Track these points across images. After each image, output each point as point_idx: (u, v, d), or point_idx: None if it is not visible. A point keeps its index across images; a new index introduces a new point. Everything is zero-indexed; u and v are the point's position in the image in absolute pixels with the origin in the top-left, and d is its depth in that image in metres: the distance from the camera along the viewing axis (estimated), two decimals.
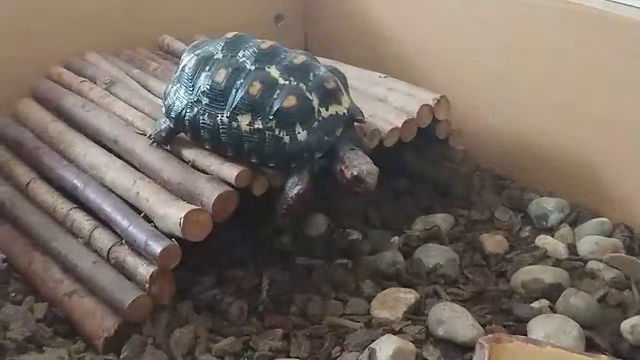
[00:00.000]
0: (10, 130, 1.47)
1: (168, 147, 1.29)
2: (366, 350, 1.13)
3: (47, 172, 1.37)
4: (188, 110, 1.23)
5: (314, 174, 1.24)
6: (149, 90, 1.48)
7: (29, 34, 1.58)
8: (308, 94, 1.21)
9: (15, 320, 1.19)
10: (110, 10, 1.68)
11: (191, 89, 1.24)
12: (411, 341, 1.15)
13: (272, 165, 1.22)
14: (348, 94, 1.28)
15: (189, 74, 1.25)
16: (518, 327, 1.20)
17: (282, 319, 1.22)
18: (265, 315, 1.23)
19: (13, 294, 1.26)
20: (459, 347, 1.16)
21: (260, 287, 1.27)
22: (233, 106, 1.21)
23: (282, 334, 1.19)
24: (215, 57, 1.25)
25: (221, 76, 1.22)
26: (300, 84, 1.21)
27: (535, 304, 1.25)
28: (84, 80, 1.50)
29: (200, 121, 1.23)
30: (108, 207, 1.24)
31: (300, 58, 1.24)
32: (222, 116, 1.21)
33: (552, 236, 1.43)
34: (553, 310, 1.24)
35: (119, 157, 1.32)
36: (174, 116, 1.25)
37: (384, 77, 1.52)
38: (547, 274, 1.30)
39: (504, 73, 1.58)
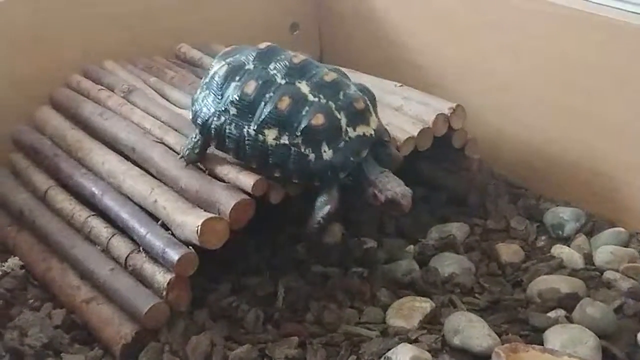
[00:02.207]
0: (28, 137, 1.49)
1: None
2: (382, 358, 1.13)
3: (65, 179, 1.38)
4: (215, 119, 1.23)
5: (341, 192, 1.23)
6: (166, 99, 1.49)
7: (48, 43, 1.59)
8: (337, 113, 1.21)
9: (33, 327, 1.20)
10: (128, 19, 1.70)
11: (220, 97, 1.24)
12: (427, 350, 1.15)
13: (295, 181, 1.22)
14: (376, 114, 1.27)
15: (219, 82, 1.25)
16: (534, 336, 1.20)
17: (297, 327, 1.22)
18: (281, 323, 1.23)
19: (31, 301, 1.28)
20: (475, 356, 1.16)
21: (276, 295, 1.28)
22: (261, 119, 1.20)
23: (298, 342, 1.19)
24: (246, 67, 1.25)
25: (251, 88, 1.22)
26: (330, 102, 1.21)
27: (552, 314, 1.24)
28: (102, 89, 1.51)
29: (227, 131, 1.22)
30: (126, 214, 1.25)
31: (331, 75, 1.24)
32: (249, 128, 1.20)
33: (568, 246, 1.42)
34: (569, 320, 1.23)
35: (137, 165, 1.33)
36: (200, 123, 1.25)
37: (400, 86, 1.52)
38: (563, 284, 1.29)
39: (520, 81, 1.58)
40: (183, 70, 1.60)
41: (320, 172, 1.21)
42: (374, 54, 1.85)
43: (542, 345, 1.16)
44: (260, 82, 1.21)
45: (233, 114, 1.22)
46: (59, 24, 1.62)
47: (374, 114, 1.26)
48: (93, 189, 1.32)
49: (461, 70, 1.68)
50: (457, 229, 1.45)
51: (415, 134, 1.36)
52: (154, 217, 1.24)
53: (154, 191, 1.25)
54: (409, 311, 1.24)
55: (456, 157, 1.50)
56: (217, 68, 1.27)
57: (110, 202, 1.28)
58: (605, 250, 1.38)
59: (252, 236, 1.34)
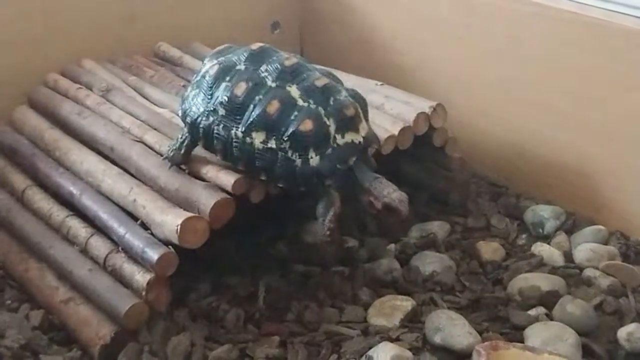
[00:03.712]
0: (6, 137, 1.47)
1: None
2: (363, 357, 1.13)
3: (43, 179, 1.37)
4: (204, 119, 1.21)
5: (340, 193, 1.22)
6: (145, 98, 1.48)
7: (26, 42, 1.58)
8: (325, 119, 1.19)
9: (11, 328, 1.19)
10: (107, 18, 1.68)
11: (209, 97, 1.22)
12: (408, 349, 1.15)
13: (280, 185, 1.21)
14: (367, 120, 1.26)
15: (209, 82, 1.23)
16: (515, 334, 1.20)
17: (278, 326, 1.22)
18: (262, 322, 1.23)
19: (9, 302, 1.26)
20: (456, 354, 1.16)
21: (256, 294, 1.27)
22: (249, 122, 1.19)
23: (279, 342, 1.18)
24: (237, 68, 1.23)
25: (240, 89, 1.20)
26: (319, 108, 1.19)
27: (532, 312, 1.25)
28: (81, 88, 1.50)
29: (215, 131, 1.21)
30: (104, 214, 1.24)
31: (322, 80, 1.22)
32: (237, 130, 1.19)
33: (549, 244, 1.43)
34: (550, 317, 1.24)
35: (116, 164, 1.31)
36: (189, 122, 1.23)
37: (381, 84, 1.52)
38: (543, 282, 1.30)
39: (501, 80, 1.58)
40: (162, 69, 1.59)
41: (305, 177, 1.19)
42: (355, 53, 1.85)
43: (523, 342, 1.17)
44: (250, 84, 1.20)
45: (222, 115, 1.20)
46: (37, 23, 1.60)
47: (364, 121, 1.24)
48: (71, 188, 1.30)
49: (443, 71, 1.68)
50: (438, 228, 1.45)
51: (396, 132, 1.36)
52: (133, 217, 1.22)
53: (133, 190, 1.24)
54: (390, 310, 1.24)
55: (437, 156, 1.50)
56: (209, 67, 1.25)
57: (89, 202, 1.27)
58: (585, 248, 1.39)
59: (233, 235, 1.33)
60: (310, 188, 1.22)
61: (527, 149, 1.58)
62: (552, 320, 1.23)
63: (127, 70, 1.58)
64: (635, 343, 1.18)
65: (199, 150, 1.26)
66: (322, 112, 1.19)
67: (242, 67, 1.23)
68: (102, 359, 1.14)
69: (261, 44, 1.27)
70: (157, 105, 1.44)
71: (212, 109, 1.21)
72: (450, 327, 1.18)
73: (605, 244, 1.41)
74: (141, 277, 1.16)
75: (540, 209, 1.50)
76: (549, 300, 1.26)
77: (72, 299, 1.21)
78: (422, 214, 1.50)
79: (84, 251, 1.24)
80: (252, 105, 1.19)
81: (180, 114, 1.27)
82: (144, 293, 1.15)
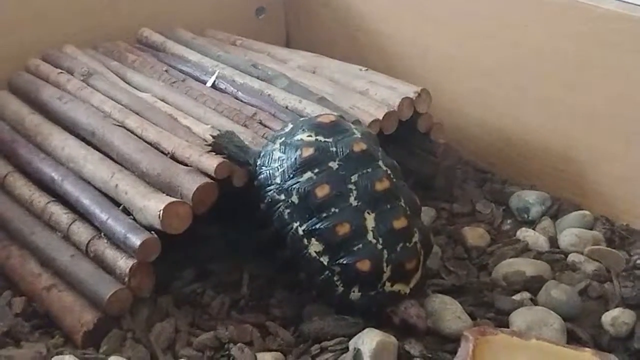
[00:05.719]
0: None
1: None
2: (348, 343, 1.12)
3: (24, 165, 1.35)
4: (275, 191, 1.16)
5: None
6: (127, 82, 1.46)
7: (6, 26, 1.56)
8: (384, 265, 1.13)
9: None
10: (89, 3, 1.67)
11: (290, 174, 1.16)
12: (394, 335, 1.14)
13: (314, 293, 1.19)
14: (424, 265, 1.20)
15: (298, 160, 1.16)
16: (500, 319, 1.20)
17: (262, 312, 1.21)
18: (246, 309, 1.22)
19: None
20: (443, 338, 1.15)
21: (241, 281, 1.26)
22: (314, 228, 1.14)
23: (263, 328, 1.18)
24: (330, 164, 1.15)
25: (322, 192, 1.13)
26: (384, 251, 1.13)
27: (517, 297, 1.25)
28: (62, 72, 1.48)
29: (277, 209, 1.16)
30: (86, 200, 1.22)
31: (402, 221, 1.15)
32: (299, 226, 1.14)
33: (534, 229, 1.43)
34: (534, 302, 1.24)
35: (97, 149, 1.30)
36: (261, 180, 1.18)
37: (365, 70, 1.52)
38: (528, 267, 1.30)
39: (487, 66, 1.58)
40: (144, 54, 1.58)
41: (340, 305, 1.17)
42: (341, 39, 1.84)
43: (508, 327, 1.17)
44: (333, 192, 1.13)
45: (293, 202, 1.15)
46: (19, 8, 1.58)
47: (419, 271, 1.19)
48: (53, 174, 1.29)
49: (431, 57, 1.67)
50: (424, 213, 1.44)
51: (381, 117, 1.35)
52: (115, 202, 1.21)
53: (114, 176, 1.23)
54: None
55: (422, 142, 1.50)
56: (305, 144, 1.17)
57: (71, 188, 1.25)
58: (570, 233, 1.39)
59: (217, 221, 1.32)
60: (340, 311, 1.18)
61: (513, 134, 1.57)
62: (537, 305, 1.23)
63: (109, 56, 1.57)
64: (619, 327, 1.18)
65: (181, 134, 1.25)
66: (385, 256, 1.14)
67: (336, 165, 1.16)
68: (85, 346, 1.13)
69: (365, 147, 1.18)
70: (138, 90, 1.43)
71: (287, 187, 1.16)
72: (440, 312, 1.17)
73: (590, 229, 1.41)
74: (124, 263, 1.15)
75: (526, 194, 1.50)
76: (533, 285, 1.26)
77: (55, 286, 1.20)
78: None
79: (66, 237, 1.23)
80: (324, 214, 1.13)
81: (258, 163, 1.20)
82: (126, 279, 1.14)
